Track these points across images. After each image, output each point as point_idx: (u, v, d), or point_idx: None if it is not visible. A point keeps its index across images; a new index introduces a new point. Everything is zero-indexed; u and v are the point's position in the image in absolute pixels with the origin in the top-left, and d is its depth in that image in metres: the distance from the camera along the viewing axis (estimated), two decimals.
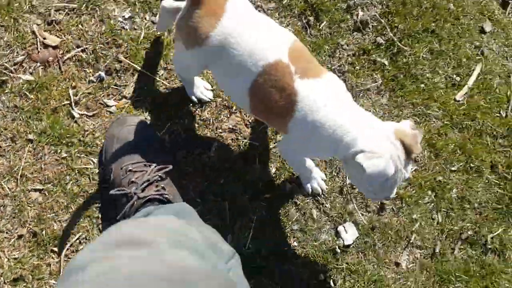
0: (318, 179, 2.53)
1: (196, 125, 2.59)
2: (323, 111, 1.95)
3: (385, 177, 1.86)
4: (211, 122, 2.65)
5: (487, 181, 3.22)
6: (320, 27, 3.15)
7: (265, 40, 1.93)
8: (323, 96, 1.96)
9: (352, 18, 3.22)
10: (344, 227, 2.85)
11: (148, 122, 2.41)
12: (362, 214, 2.91)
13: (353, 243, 2.86)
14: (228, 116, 2.59)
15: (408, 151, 1.92)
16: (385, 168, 1.84)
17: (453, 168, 3.20)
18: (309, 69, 2.01)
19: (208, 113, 2.64)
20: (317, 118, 1.95)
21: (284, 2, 3.08)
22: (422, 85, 3.25)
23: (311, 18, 3.12)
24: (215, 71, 2.09)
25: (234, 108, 2.67)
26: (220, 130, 2.69)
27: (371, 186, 1.95)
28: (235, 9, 1.90)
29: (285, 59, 1.94)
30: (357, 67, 3.16)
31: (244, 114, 2.58)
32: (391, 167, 1.85)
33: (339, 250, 2.84)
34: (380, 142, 1.87)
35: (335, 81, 2.07)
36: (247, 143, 2.66)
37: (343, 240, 2.85)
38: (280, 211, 2.61)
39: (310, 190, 2.55)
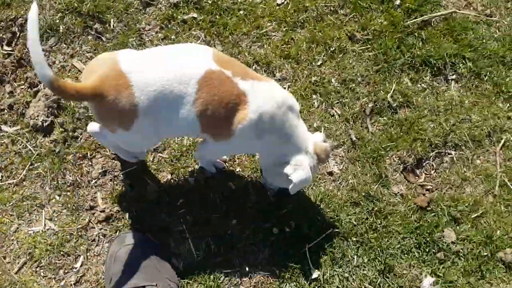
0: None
1: None
2: (277, 118, 2.11)
3: (305, 184, 2.30)
4: None
5: (354, 53, 3.22)
6: (112, 27, 3.06)
7: (184, 62, 1.99)
8: (274, 103, 2.09)
9: None
10: None
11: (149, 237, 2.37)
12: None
13: None
14: None
15: (320, 160, 2.32)
16: (307, 178, 2.23)
17: (318, 63, 3.17)
18: (247, 72, 2.11)
19: None
20: (269, 123, 2.10)
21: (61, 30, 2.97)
22: (241, 12, 3.23)
23: (97, 26, 3.02)
24: (162, 123, 2.05)
25: None
26: None
27: (288, 186, 2.25)
28: (132, 65, 1.93)
29: (214, 67, 1.99)
30: (172, 36, 3.09)
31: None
32: (310, 177, 2.24)
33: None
34: (304, 155, 2.24)
35: (279, 88, 2.22)
36: None
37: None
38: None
39: (214, 169, 2.65)
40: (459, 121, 3.11)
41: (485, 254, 2.70)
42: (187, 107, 2.00)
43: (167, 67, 1.97)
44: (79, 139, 2.64)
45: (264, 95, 2.09)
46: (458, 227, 2.76)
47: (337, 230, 2.62)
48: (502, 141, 3.16)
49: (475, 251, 2.70)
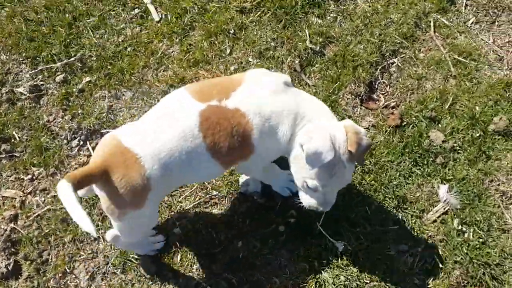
0: (287, 179, 2.52)
1: None
2: (275, 106, 2.07)
3: (323, 158, 1.95)
4: None
5: (253, 23, 3.18)
6: (19, 139, 2.94)
7: (176, 118, 2.03)
8: (264, 97, 2.08)
9: None
10: None
11: None
12: None
13: None
14: None
15: (351, 144, 2.00)
16: (324, 146, 1.94)
17: (227, 51, 3.12)
18: (225, 86, 2.12)
19: None
20: (272, 115, 2.07)
21: None
22: (129, 49, 3.15)
23: (4, 147, 2.89)
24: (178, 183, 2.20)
25: None
26: None
27: (311, 169, 2.01)
28: (135, 139, 1.98)
29: (201, 106, 2.04)
30: (79, 111, 2.99)
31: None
32: (329, 146, 1.95)
33: None
34: (322, 128, 2.01)
35: (254, 76, 2.19)
36: None
37: None
38: None
39: (288, 191, 2.54)
40: (384, 28, 3.12)
41: (478, 135, 2.73)
42: (203, 157, 2.05)
43: (168, 131, 2.02)
44: (49, 261, 2.52)
45: (252, 97, 2.09)
46: (439, 125, 2.78)
47: None
48: (432, 24, 3.18)
49: (467, 137, 2.72)
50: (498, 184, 2.63)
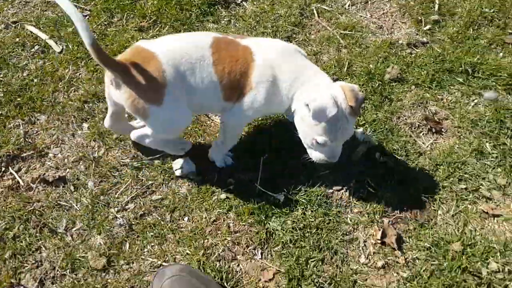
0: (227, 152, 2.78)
1: None
2: (283, 62, 2.42)
3: (328, 113, 2.24)
4: None
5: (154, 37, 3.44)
6: None
7: (195, 36, 2.54)
8: (276, 49, 2.45)
9: None
10: None
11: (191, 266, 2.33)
12: None
13: None
14: None
15: (349, 100, 2.31)
16: (327, 103, 2.24)
17: None
18: (244, 36, 2.63)
19: None
20: (278, 66, 2.40)
21: None
22: (35, 80, 3.23)
23: None
24: (189, 91, 2.37)
25: None
26: None
27: (317, 126, 2.31)
28: (153, 44, 2.37)
29: (218, 35, 2.46)
30: None
31: None
32: (332, 103, 2.24)
33: None
34: (323, 89, 2.32)
35: (279, 40, 2.58)
36: None
37: None
38: None
39: (222, 164, 2.77)
40: (274, 22, 3.55)
41: (377, 84, 3.17)
42: (208, 70, 2.36)
43: (184, 40, 2.41)
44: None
45: (265, 46, 2.46)
46: None
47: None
48: (315, 11, 3.66)
49: (369, 89, 3.14)
50: (405, 118, 3.00)
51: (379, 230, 2.53)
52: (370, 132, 2.90)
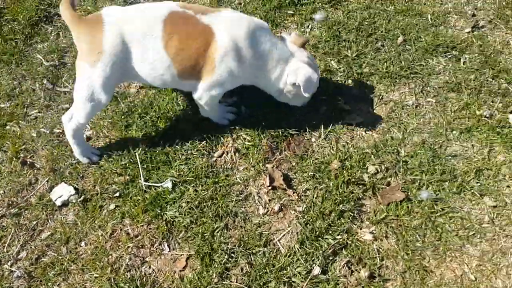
0: (225, 110, 2.85)
1: None
2: (250, 39, 2.46)
3: (313, 79, 2.55)
4: None
5: None
6: None
7: (151, 6, 2.48)
8: (241, 26, 2.45)
9: None
10: None
11: None
12: None
13: None
14: None
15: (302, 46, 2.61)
16: (311, 75, 2.54)
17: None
18: (208, 9, 2.53)
19: None
20: (245, 45, 2.44)
21: None
22: None
23: None
24: (135, 60, 2.45)
25: None
26: None
27: (307, 91, 2.57)
28: (110, 10, 2.49)
29: (177, 8, 2.44)
30: None
31: None
32: (313, 71, 2.56)
33: None
34: (295, 58, 2.57)
35: (241, 14, 2.57)
36: None
37: None
38: None
39: (227, 121, 2.83)
40: None
41: None
42: (156, 44, 2.39)
43: (140, 11, 2.48)
44: None
45: (228, 22, 2.45)
46: None
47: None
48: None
49: None
50: None
51: (266, 177, 2.60)
52: None
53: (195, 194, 2.59)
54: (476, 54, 3.03)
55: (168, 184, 2.62)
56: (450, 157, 2.63)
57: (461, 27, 3.20)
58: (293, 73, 2.54)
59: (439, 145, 2.68)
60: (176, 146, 2.75)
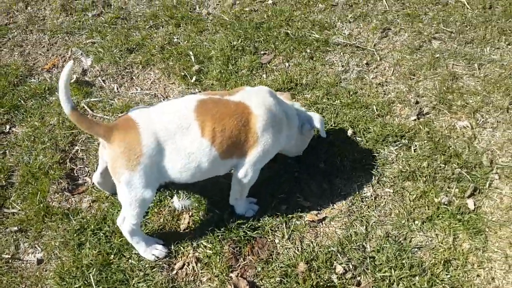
0: (249, 202, 2.74)
1: None
2: (276, 105, 2.49)
3: (323, 121, 2.74)
4: None
5: None
6: None
7: (179, 102, 2.47)
8: (265, 95, 2.48)
9: None
10: None
11: None
12: None
13: None
14: None
15: None
16: (320, 117, 2.72)
17: None
18: (228, 91, 2.55)
19: None
20: (275, 112, 2.47)
21: None
22: None
23: None
24: (174, 158, 2.35)
25: None
26: None
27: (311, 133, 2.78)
28: (139, 113, 2.40)
29: (202, 97, 2.44)
30: None
31: None
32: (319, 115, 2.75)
33: None
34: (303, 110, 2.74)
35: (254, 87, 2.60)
36: None
37: None
38: None
39: (252, 212, 2.72)
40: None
41: None
42: (193, 134, 2.32)
43: (167, 109, 2.40)
44: None
45: (255, 95, 2.47)
46: None
47: None
48: (87, 107, 3.39)
49: None
50: None
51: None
52: (184, 197, 2.74)
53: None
54: (425, 141, 3.01)
55: None
56: (416, 249, 2.51)
57: (406, 115, 3.20)
58: (307, 121, 2.67)
59: (403, 237, 2.56)
60: (133, 262, 2.50)
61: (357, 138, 3.04)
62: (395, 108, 3.25)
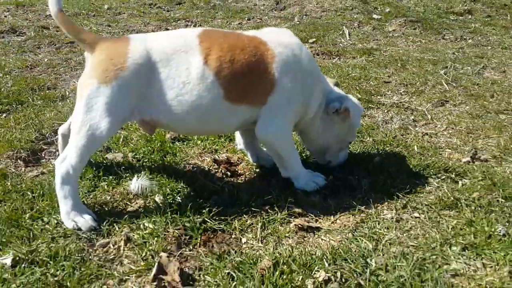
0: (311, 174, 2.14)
1: None
2: (304, 49, 1.97)
3: (361, 108, 2.11)
4: None
5: None
6: None
7: (181, 30, 2.00)
8: (291, 38, 1.98)
9: None
10: None
11: None
12: None
13: None
14: None
15: None
16: (358, 104, 2.10)
17: None
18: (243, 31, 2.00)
19: None
20: (298, 57, 1.94)
21: None
22: None
23: None
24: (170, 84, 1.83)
25: None
26: None
27: (352, 128, 2.11)
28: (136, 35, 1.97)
29: (209, 28, 2.06)
30: None
31: None
32: (358, 102, 2.12)
33: None
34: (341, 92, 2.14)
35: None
36: None
37: None
38: None
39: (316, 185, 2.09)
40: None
41: None
42: (194, 60, 1.81)
43: (168, 33, 2.04)
44: None
45: (275, 33, 2.00)
46: None
47: None
48: None
49: None
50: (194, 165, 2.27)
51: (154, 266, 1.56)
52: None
53: (39, 279, 1.53)
54: (479, 179, 2.19)
55: (7, 260, 1.60)
56: (448, 275, 1.55)
57: (457, 159, 2.41)
58: (337, 100, 2.05)
59: (431, 261, 1.66)
60: (48, 227, 1.81)
61: (385, 166, 2.29)
62: (444, 152, 2.49)
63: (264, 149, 2.28)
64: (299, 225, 1.86)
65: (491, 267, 1.63)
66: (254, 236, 1.82)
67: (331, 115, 2.06)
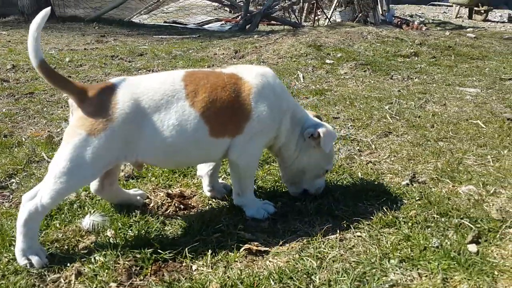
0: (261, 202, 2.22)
1: None
2: (277, 81, 2.13)
3: (334, 134, 2.18)
4: None
5: None
6: None
7: (165, 73, 2.05)
8: (265, 72, 2.11)
9: None
10: None
11: None
12: None
13: None
14: None
15: None
16: (332, 130, 2.18)
17: None
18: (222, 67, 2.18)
19: None
20: (275, 88, 2.11)
21: None
22: None
23: None
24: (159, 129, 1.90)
25: None
26: None
27: (327, 154, 2.18)
28: (121, 78, 1.96)
29: (191, 70, 2.05)
30: None
31: None
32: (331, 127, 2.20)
33: None
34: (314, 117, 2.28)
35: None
36: None
37: None
38: None
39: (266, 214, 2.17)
40: None
41: None
42: (180, 104, 1.90)
43: (152, 77, 1.99)
44: None
45: (249, 68, 2.12)
46: None
47: None
48: None
49: None
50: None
51: None
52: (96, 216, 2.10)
53: None
54: (416, 199, 2.30)
55: None
56: (387, 286, 1.62)
57: (397, 182, 2.52)
58: (313, 126, 2.16)
59: (371, 274, 1.71)
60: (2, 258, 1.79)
61: (330, 191, 2.38)
62: (385, 177, 2.60)
63: (221, 181, 2.35)
64: (249, 250, 1.90)
65: (426, 276, 1.70)
66: (204, 263, 1.84)
67: (307, 140, 2.16)
